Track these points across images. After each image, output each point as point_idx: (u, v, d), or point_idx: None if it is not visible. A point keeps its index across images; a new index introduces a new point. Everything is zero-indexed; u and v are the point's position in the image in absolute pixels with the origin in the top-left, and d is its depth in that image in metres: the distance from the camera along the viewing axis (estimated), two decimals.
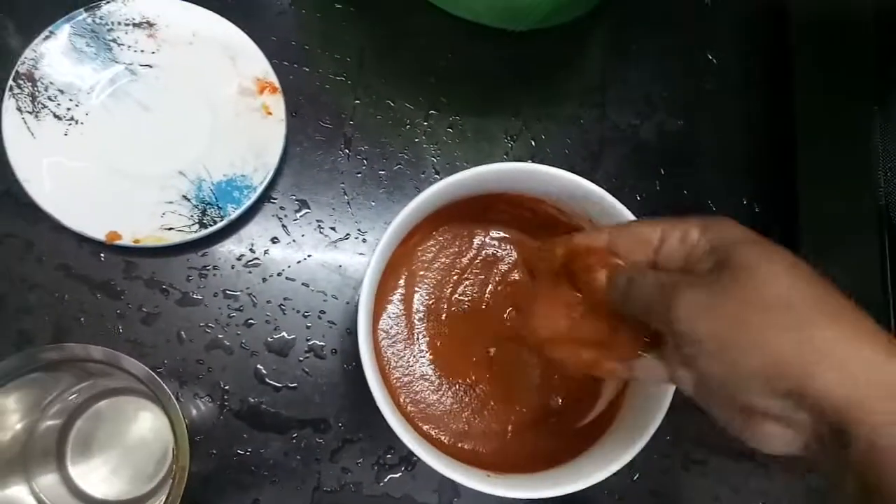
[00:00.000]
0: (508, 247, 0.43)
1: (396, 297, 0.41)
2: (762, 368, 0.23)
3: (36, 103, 0.41)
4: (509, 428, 0.40)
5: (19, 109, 0.40)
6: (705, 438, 0.45)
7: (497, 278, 0.42)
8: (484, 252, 0.43)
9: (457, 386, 0.41)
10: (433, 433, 0.39)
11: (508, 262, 0.43)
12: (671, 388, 0.36)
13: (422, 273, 0.42)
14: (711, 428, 0.45)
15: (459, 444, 0.39)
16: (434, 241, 0.43)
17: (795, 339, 0.23)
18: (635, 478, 0.44)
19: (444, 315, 0.41)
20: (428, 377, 0.40)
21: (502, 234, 0.43)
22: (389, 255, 0.38)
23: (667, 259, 0.29)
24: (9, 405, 0.32)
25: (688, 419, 0.45)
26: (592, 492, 0.34)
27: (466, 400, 0.40)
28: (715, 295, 0.25)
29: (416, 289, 0.41)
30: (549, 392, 0.41)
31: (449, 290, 0.41)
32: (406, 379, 0.40)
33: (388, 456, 0.42)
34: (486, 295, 0.41)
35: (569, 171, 0.46)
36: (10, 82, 0.40)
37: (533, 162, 0.47)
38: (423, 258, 0.42)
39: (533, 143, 0.48)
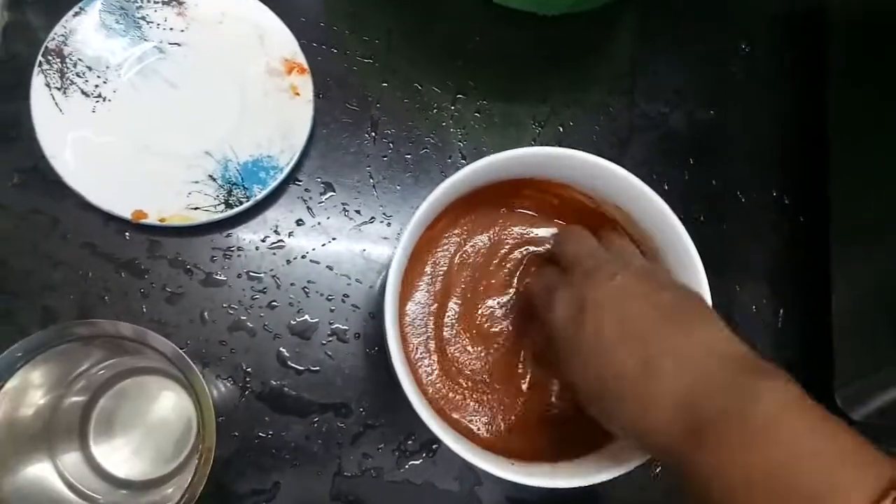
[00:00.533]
0: (535, 232, 0.43)
1: (423, 283, 0.41)
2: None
3: (64, 79, 0.41)
4: (536, 417, 0.40)
5: (48, 85, 0.40)
6: None
7: (525, 264, 0.42)
8: (511, 238, 0.42)
9: (486, 378, 0.40)
10: (459, 420, 0.39)
11: (536, 251, 0.42)
12: None
13: (448, 259, 0.41)
14: None
15: (484, 433, 0.39)
16: (460, 228, 0.42)
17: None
18: (657, 470, 0.44)
19: (471, 302, 0.41)
20: (455, 365, 0.40)
21: (529, 221, 0.42)
22: (416, 241, 0.38)
23: None
24: (34, 379, 0.32)
25: None
26: (615, 483, 0.33)
27: (493, 388, 0.40)
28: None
29: (442, 274, 0.41)
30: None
31: (477, 276, 0.41)
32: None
33: (409, 442, 0.42)
34: (514, 281, 0.41)
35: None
36: (40, 58, 0.40)
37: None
38: (450, 244, 0.42)
39: (561, 129, 0.47)
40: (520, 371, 0.40)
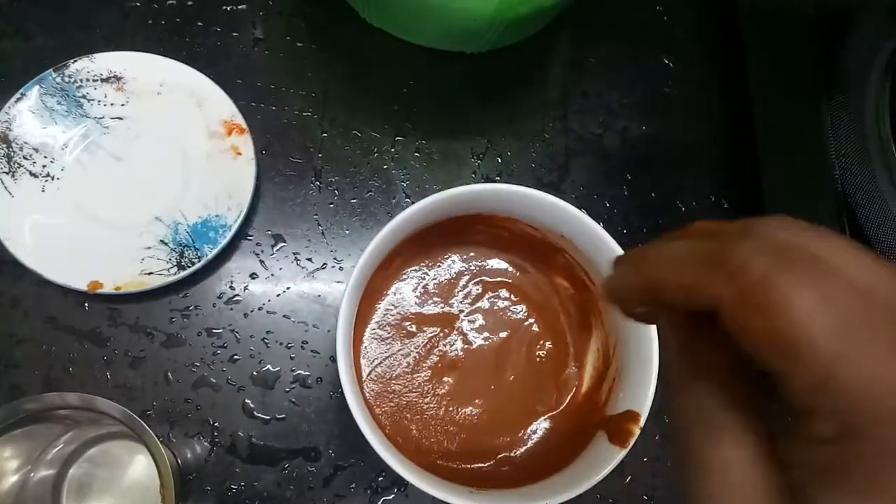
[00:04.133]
0: (490, 264, 0.44)
1: (381, 320, 0.42)
2: None
3: (12, 163, 0.42)
4: (497, 445, 0.41)
5: None
6: None
7: (482, 300, 0.43)
8: (468, 272, 0.44)
9: (444, 408, 0.41)
10: (420, 454, 0.40)
11: (491, 283, 0.44)
12: (650, 390, 0.37)
13: (406, 295, 0.43)
14: None
15: (447, 463, 0.40)
16: (417, 264, 0.44)
17: None
18: (627, 481, 0.45)
19: (430, 337, 0.42)
20: (414, 401, 0.41)
21: (482, 255, 0.44)
22: (366, 281, 0.39)
23: None
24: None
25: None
26: (585, 498, 0.34)
27: (456, 419, 0.41)
28: None
29: (400, 311, 0.42)
30: (539, 407, 0.42)
31: (437, 310, 0.42)
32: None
33: (380, 479, 0.43)
34: (473, 312, 0.42)
35: (537, 184, 0.48)
36: None
37: (501, 178, 0.48)
38: (407, 280, 0.43)
39: (499, 159, 0.49)
40: (477, 402, 0.41)
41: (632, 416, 0.37)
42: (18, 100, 0.43)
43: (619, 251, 0.38)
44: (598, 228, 0.38)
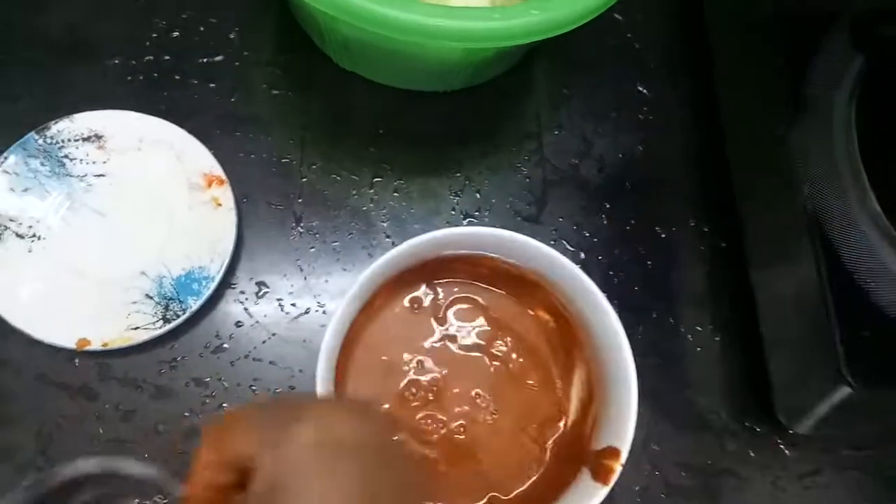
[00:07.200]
0: (471, 299, 0.45)
1: (367, 359, 0.42)
2: None
3: None
4: (488, 482, 0.42)
5: None
6: (685, 461, 0.46)
7: (467, 334, 0.44)
8: (450, 310, 0.44)
9: (433, 444, 0.42)
10: None
11: (474, 317, 0.44)
12: (630, 426, 0.37)
13: (388, 335, 0.43)
14: (691, 451, 0.46)
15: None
16: (398, 305, 0.44)
17: None
18: None
19: (415, 380, 0.43)
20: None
21: (464, 290, 0.45)
22: (348, 325, 0.40)
23: None
24: None
25: (667, 444, 0.46)
26: None
27: (445, 456, 0.42)
28: None
29: (385, 353, 0.43)
30: (527, 442, 0.43)
31: (421, 352, 0.43)
32: None
33: None
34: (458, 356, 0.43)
35: (515, 217, 0.49)
36: None
37: (480, 213, 0.49)
38: (390, 318, 0.44)
39: (478, 195, 0.49)
40: (465, 438, 0.42)
41: (613, 452, 0.37)
42: (1, 163, 0.44)
43: (592, 285, 0.39)
44: (569, 264, 0.39)
